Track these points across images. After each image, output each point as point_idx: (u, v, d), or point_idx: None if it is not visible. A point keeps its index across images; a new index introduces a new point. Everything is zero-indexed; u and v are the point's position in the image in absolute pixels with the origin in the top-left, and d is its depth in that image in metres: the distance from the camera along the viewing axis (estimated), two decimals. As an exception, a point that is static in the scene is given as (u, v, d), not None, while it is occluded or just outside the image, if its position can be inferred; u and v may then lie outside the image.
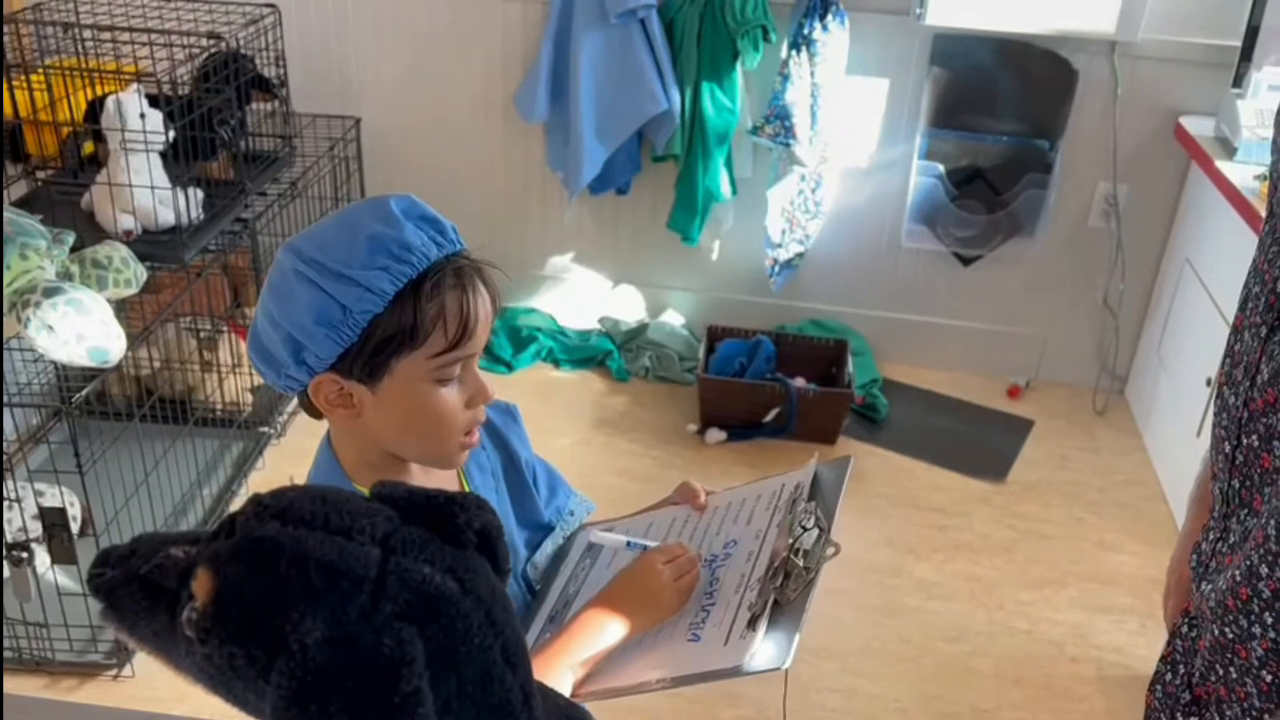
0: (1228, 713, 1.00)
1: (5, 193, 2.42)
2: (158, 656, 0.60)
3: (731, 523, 1.17)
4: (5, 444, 2.28)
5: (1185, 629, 1.10)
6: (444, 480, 1.11)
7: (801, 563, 1.04)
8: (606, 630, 1.05)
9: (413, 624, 0.54)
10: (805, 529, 1.07)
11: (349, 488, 1.03)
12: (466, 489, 1.14)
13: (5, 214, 1.93)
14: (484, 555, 0.61)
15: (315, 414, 1.03)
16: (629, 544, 1.14)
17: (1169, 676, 1.10)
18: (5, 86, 2.35)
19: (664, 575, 1.08)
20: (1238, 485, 1.01)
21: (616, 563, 1.15)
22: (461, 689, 0.56)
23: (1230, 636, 0.97)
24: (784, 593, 1.04)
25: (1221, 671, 0.99)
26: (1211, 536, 1.06)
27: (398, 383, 0.98)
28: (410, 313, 0.95)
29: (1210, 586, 1.02)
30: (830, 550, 1.06)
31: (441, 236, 0.98)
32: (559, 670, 1.03)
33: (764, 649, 1.00)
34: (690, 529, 1.20)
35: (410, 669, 0.51)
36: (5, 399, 2.29)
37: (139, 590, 0.58)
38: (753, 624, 1.02)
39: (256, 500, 0.59)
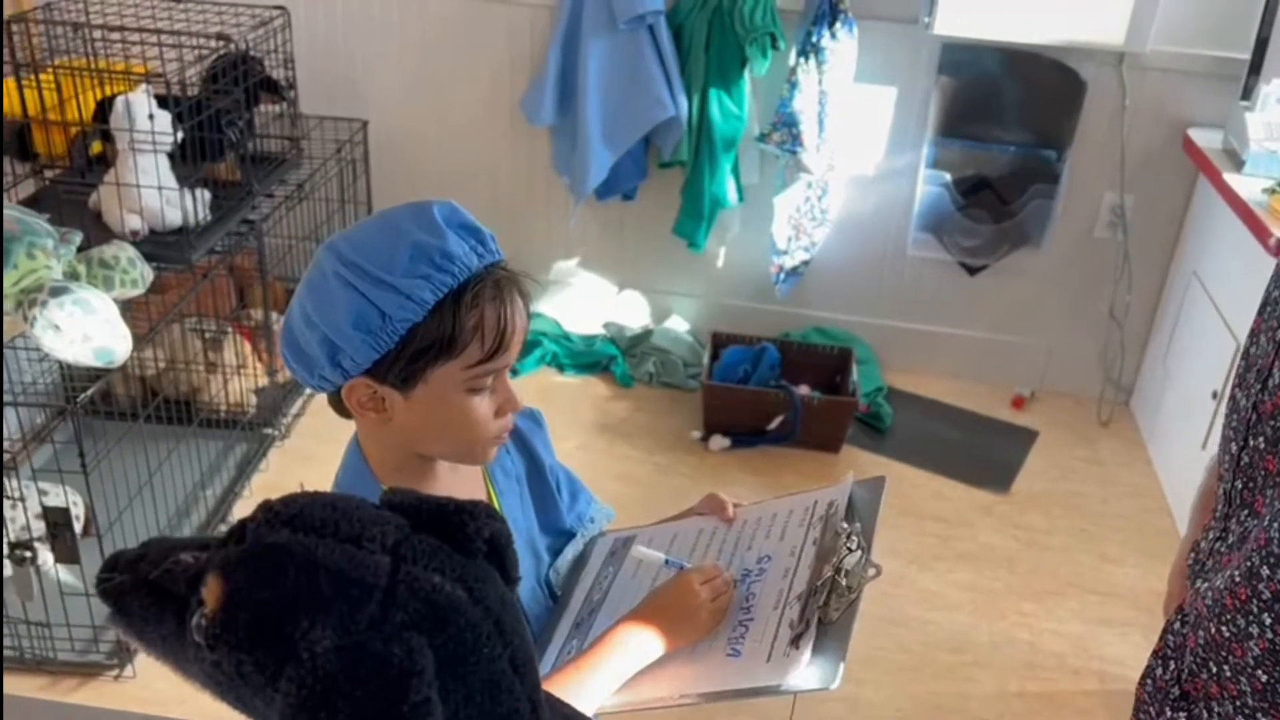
0: (1217, 710, 1.00)
1: (13, 191, 2.43)
2: (165, 662, 0.60)
3: (764, 538, 1.17)
4: (9, 443, 2.28)
5: (1177, 625, 1.10)
6: (470, 482, 1.12)
7: (845, 582, 1.04)
8: (643, 648, 1.05)
9: (422, 633, 0.54)
10: (850, 550, 1.07)
11: (377, 488, 1.03)
12: (492, 493, 1.14)
13: (14, 213, 1.93)
14: (493, 564, 0.61)
15: (345, 414, 1.03)
16: (667, 561, 1.13)
17: (1159, 671, 1.11)
18: (10, 86, 2.36)
19: (701, 595, 1.07)
20: (1240, 486, 1.02)
21: (643, 573, 1.15)
22: (470, 699, 0.56)
23: (1226, 635, 0.97)
24: (826, 611, 1.04)
25: (1214, 669, 1.00)
26: (1211, 536, 1.07)
27: (431, 390, 0.98)
28: (449, 323, 0.95)
29: (1206, 585, 1.03)
30: (872, 571, 1.06)
31: (482, 247, 0.98)
32: (596, 685, 1.02)
33: (809, 668, 1.00)
34: (719, 542, 1.19)
35: (420, 679, 0.51)
36: (9, 398, 2.29)
37: (148, 595, 0.58)
38: (796, 642, 1.02)
39: (267, 506, 0.58)
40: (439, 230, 0.95)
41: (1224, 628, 0.98)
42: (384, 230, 0.96)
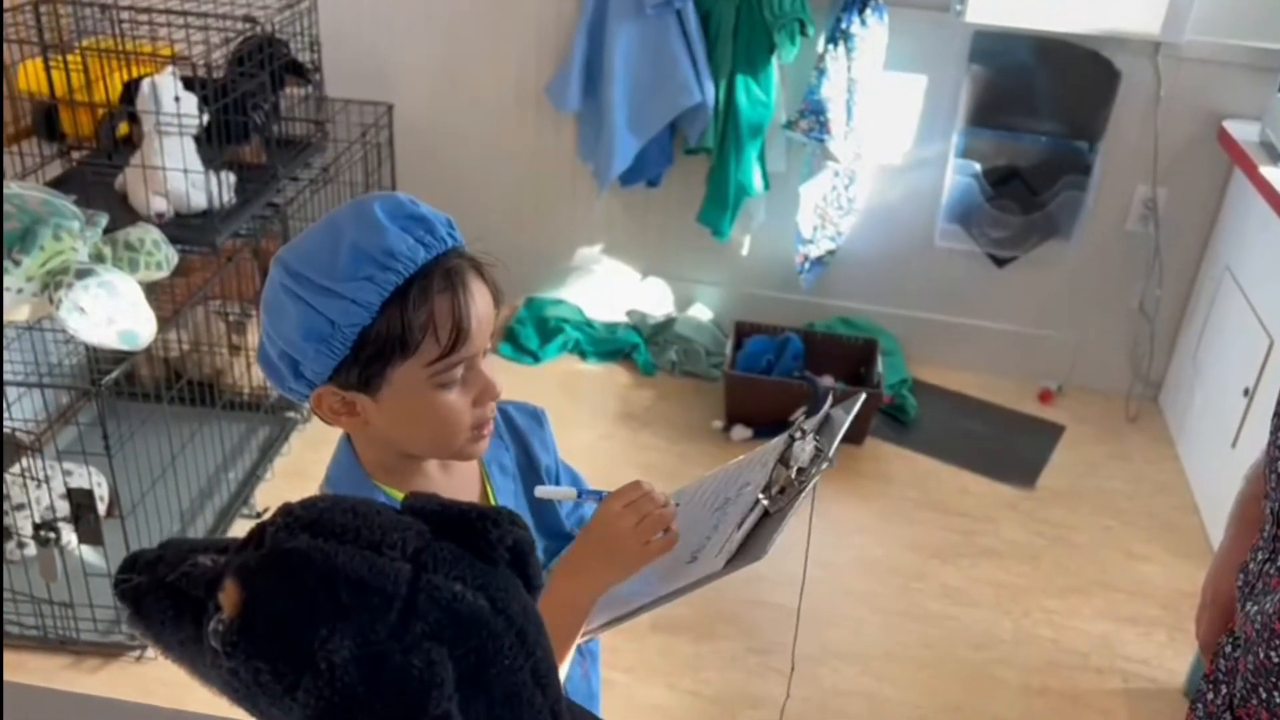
0: None
1: (40, 172, 2.43)
2: (182, 665, 0.59)
3: (749, 470, 1.16)
4: (35, 424, 2.30)
5: (1229, 649, 1.08)
6: (466, 479, 1.09)
7: (793, 475, 1.03)
8: (577, 601, 1.00)
9: (443, 644, 0.53)
10: (795, 439, 1.06)
11: (370, 486, 1.02)
12: (489, 490, 1.12)
13: (40, 194, 1.94)
14: (516, 572, 0.59)
15: (328, 421, 1.02)
16: (581, 494, 1.08)
17: (1211, 696, 1.08)
18: (38, 67, 2.36)
19: (624, 520, 1.00)
20: None
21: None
22: (490, 711, 0.55)
23: (1275, 660, 0.95)
24: (775, 503, 1.03)
25: (1264, 695, 0.97)
26: (1260, 557, 1.04)
27: (397, 390, 0.95)
28: (398, 322, 0.91)
29: (1256, 608, 1.00)
30: (825, 464, 1.04)
31: (430, 236, 0.93)
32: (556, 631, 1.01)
33: (743, 548, 0.99)
34: (714, 487, 1.18)
35: (440, 691, 0.50)
36: (35, 379, 2.30)
37: (165, 598, 0.57)
38: (740, 526, 1.01)
39: (287, 510, 0.57)
40: (379, 227, 0.91)
41: (1273, 653, 0.95)
42: (325, 235, 0.93)
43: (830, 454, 1.05)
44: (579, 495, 1.07)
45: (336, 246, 0.91)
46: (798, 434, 1.08)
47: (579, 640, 1.04)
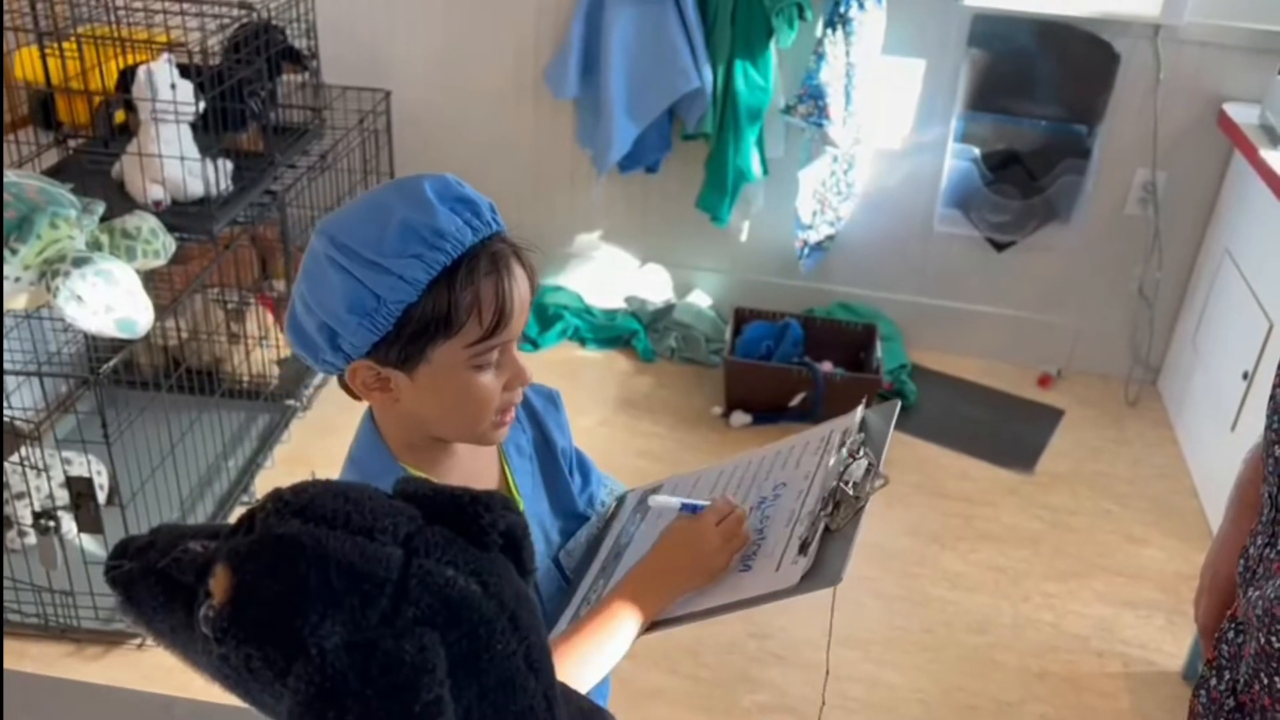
0: None
1: (37, 161, 2.43)
2: (174, 652, 0.59)
3: (780, 468, 1.18)
4: (34, 413, 2.30)
5: (1231, 635, 1.07)
6: (485, 460, 1.11)
7: (851, 491, 1.05)
8: (653, 603, 1.05)
9: (434, 629, 0.53)
10: (855, 457, 1.08)
11: (394, 466, 1.03)
12: (507, 470, 1.13)
13: (37, 183, 1.93)
14: (509, 557, 0.59)
15: (355, 395, 1.02)
16: (683, 506, 1.13)
17: (1214, 682, 1.08)
18: (34, 54, 2.35)
19: (715, 540, 1.06)
20: None
21: (666, 518, 1.15)
22: (483, 697, 0.55)
23: (1277, 645, 0.94)
24: (834, 519, 1.05)
25: (1266, 680, 0.97)
26: (1259, 542, 1.03)
27: (434, 369, 0.96)
28: (444, 301, 0.93)
29: (1257, 594, 1.00)
30: (879, 481, 1.06)
31: (477, 219, 0.95)
32: (607, 651, 1.03)
33: (815, 570, 1.01)
34: (739, 478, 1.20)
35: (431, 677, 0.50)
36: (34, 368, 2.30)
37: (156, 584, 0.57)
38: (803, 549, 1.03)
39: (277, 496, 0.57)
40: (429, 206, 0.93)
41: (1274, 638, 0.95)
42: (373, 210, 0.94)
43: (882, 469, 1.08)
44: (680, 508, 1.12)
45: (385, 222, 0.92)
46: (857, 452, 1.10)
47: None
